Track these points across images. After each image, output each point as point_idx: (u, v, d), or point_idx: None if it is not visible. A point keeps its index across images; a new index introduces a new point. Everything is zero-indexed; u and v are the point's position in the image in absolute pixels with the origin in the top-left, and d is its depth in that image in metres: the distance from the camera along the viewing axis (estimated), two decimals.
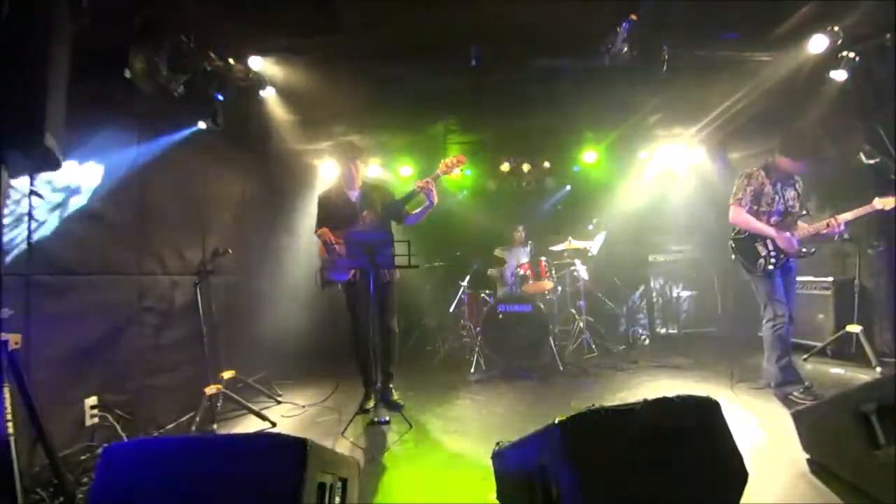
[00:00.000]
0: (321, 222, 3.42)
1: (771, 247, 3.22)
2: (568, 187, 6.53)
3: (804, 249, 3.21)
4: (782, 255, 3.20)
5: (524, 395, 3.67)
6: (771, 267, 3.20)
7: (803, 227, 3.24)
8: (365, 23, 3.32)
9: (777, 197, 3.24)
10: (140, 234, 3.03)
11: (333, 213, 3.39)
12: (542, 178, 6.40)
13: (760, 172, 3.27)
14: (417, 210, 3.44)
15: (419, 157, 5.87)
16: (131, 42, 2.77)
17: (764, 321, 3.25)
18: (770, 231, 3.20)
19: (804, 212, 3.31)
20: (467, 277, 5.16)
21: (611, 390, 3.66)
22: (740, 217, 3.25)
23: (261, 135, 4.42)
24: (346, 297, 3.43)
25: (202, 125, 3.68)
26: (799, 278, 4.49)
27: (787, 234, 3.21)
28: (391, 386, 3.50)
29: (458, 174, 3.44)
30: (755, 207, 3.26)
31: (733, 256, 3.39)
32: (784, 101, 4.15)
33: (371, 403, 3.22)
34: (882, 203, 3.09)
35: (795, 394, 3.09)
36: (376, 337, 3.18)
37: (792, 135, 3.19)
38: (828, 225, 3.15)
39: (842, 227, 3.14)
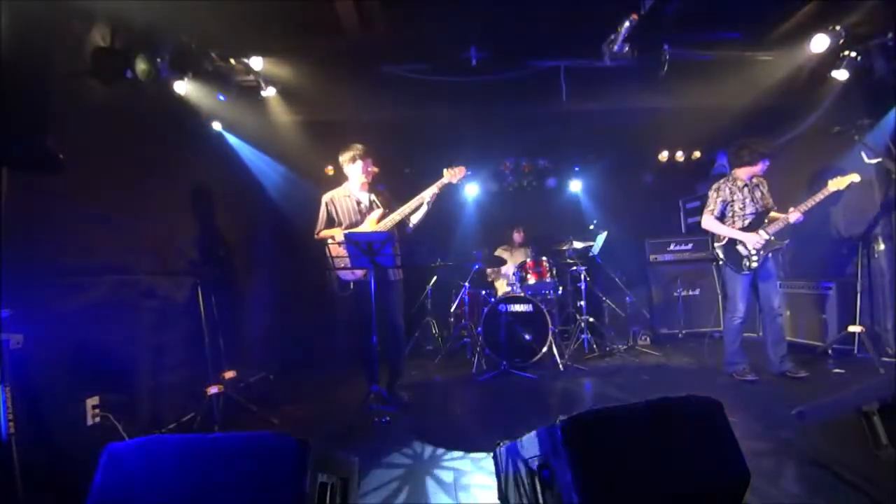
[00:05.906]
0: (325, 224, 3.41)
1: (749, 246, 3.54)
2: (569, 187, 6.51)
3: (777, 242, 3.51)
4: (760, 252, 3.53)
5: (524, 395, 3.66)
6: (754, 264, 3.53)
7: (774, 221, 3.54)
8: (365, 22, 3.32)
9: (747, 200, 3.63)
10: (140, 233, 3.03)
11: (341, 215, 3.41)
12: (544, 178, 6.40)
13: (727, 184, 3.67)
14: (418, 218, 3.46)
15: (417, 158, 5.86)
16: (134, 43, 2.78)
17: (726, 313, 3.73)
18: (736, 234, 3.58)
19: (774, 207, 3.64)
20: (468, 277, 5.16)
21: (611, 390, 3.66)
22: (710, 223, 3.70)
23: (264, 135, 4.43)
24: (355, 296, 3.41)
25: (211, 125, 3.70)
26: (800, 279, 4.53)
27: (753, 232, 3.52)
28: (397, 384, 3.51)
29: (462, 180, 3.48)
30: (730, 213, 3.66)
31: (720, 262, 3.75)
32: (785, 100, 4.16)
33: (373, 403, 3.22)
34: (835, 184, 3.34)
35: (737, 370, 3.62)
36: (383, 335, 3.21)
37: (735, 149, 3.65)
38: (789, 216, 3.44)
39: (801, 218, 3.42)
